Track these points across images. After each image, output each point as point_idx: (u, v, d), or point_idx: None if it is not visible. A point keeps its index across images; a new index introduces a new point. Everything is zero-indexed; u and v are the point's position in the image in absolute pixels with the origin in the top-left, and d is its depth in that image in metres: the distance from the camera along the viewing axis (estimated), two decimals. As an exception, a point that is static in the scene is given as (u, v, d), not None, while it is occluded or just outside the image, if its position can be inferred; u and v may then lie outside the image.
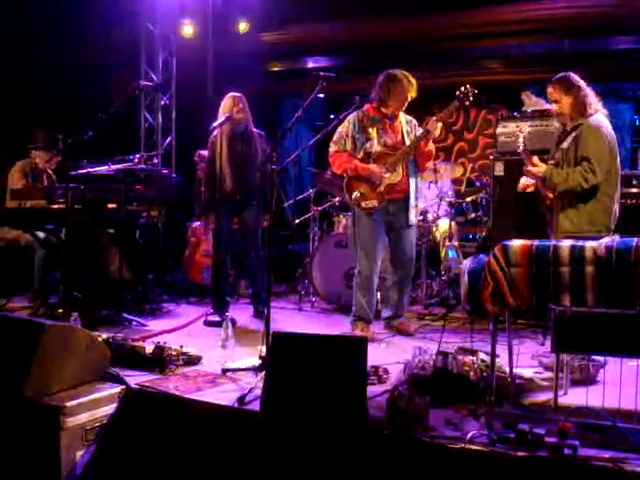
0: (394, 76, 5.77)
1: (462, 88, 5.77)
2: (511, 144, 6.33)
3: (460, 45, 9.42)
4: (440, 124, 5.75)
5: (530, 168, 4.96)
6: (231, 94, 6.45)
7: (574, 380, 4.27)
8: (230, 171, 6.37)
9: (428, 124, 5.73)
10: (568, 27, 8.47)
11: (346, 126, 5.91)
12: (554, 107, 4.97)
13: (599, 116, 4.84)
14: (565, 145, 4.89)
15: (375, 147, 5.79)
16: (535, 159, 4.98)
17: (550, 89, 4.95)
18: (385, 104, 5.82)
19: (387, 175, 5.72)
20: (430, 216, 7.53)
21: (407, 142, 5.84)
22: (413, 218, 5.95)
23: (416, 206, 6.07)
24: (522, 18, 8.55)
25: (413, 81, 5.77)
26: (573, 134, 4.84)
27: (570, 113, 4.88)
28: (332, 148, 5.94)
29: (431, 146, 5.93)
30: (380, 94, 5.81)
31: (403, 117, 5.96)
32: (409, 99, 5.82)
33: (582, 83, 4.89)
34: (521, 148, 5.04)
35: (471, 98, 5.77)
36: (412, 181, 5.89)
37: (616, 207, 4.85)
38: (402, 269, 6.00)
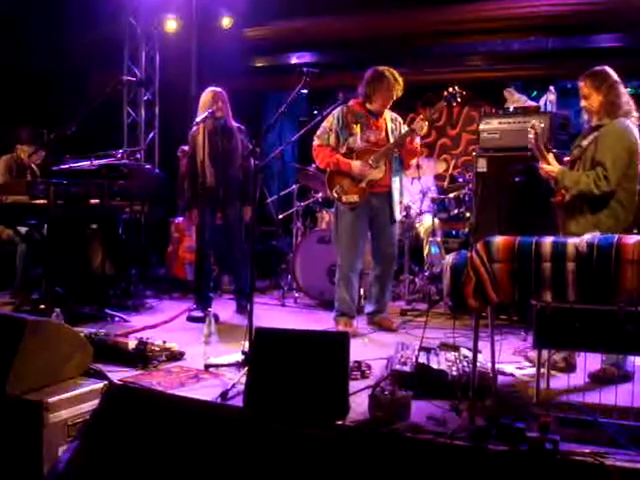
0: (381, 73, 5.77)
1: (450, 89, 5.76)
2: (494, 140, 6.37)
3: (444, 42, 9.45)
4: (426, 123, 5.76)
5: (544, 166, 4.75)
6: (211, 89, 6.41)
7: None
8: (211, 166, 6.35)
9: (414, 123, 5.74)
10: (552, 25, 8.49)
11: (330, 121, 5.91)
12: (583, 102, 4.69)
13: (627, 120, 4.57)
14: (585, 143, 4.66)
15: (358, 143, 5.80)
16: (550, 157, 4.78)
17: (581, 83, 4.67)
18: (370, 101, 5.83)
19: (370, 171, 5.73)
20: (413, 212, 7.54)
21: (391, 140, 5.85)
22: (397, 215, 5.97)
23: (400, 202, 6.08)
24: (506, 15, 8.57)
25: (400, 80, 5.78)
26: (595, 133, 4.60)
27: (597, 112, 4.62)
28: (315, 142, 5.95)
29: (417, 143, 5.93)
30: (366, 90, 5.82)
31: (388, 115, 5.97)
32: (395, 98, 5.84)
33: (617, 80, 4.61)
34: (532, 143, 4.79)
35: (459, 99, 5.78)
36: (396, 178, 5.90)
37: (629, 215, 4.59)
38: (384, 264, 6.01)
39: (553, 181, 4.74)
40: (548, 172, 4.74)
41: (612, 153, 4.48)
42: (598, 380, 4.25)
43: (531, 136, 4.78)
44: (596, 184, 4.46)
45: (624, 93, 4.62)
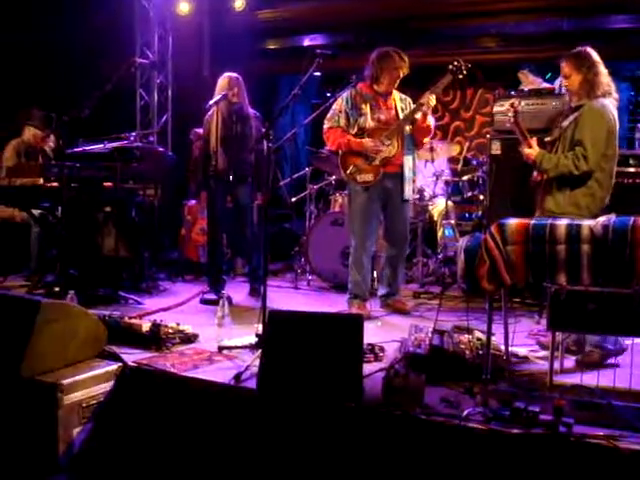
0: (386, 53, 5.75)
1: (455, 62, 5.73)
2: (508, 123, 6.34)
3: (457, 23, 9.37)
4: (434, 96, 5.72)
5: (525, 150, 4.86)
6: (227, 75, 6.41)
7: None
8: (223, 150, 6.34)
9: (421, 97, 5.71)
10: (567, 6, 8.43)
11: (339, 103, 5.89)
12: (564, 82, 4.82)
13: (605, 100, 4.65)
14: (565, 123, 4.76)
15: (369, 122, 5.76)
16: (533, 141, 4.87)
17: (563, 63, 4.75)
18: (378, 81, 5.81)
19: (383, 148, 5.71)
20: (426, 195, 7.52)
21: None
22: (409, 193, 5.94)
23: (414, 181, 6.06)
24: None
25: (405, 58, 5.75)
26: (575, 114, 4.69)
27: (577, 91, 4.70)
28: (326, 125, 5.93)
29: (429, 122, 5.86)
30: (372, 71, 5.80)
31: (397, 95, 5.94)
32: (401, 76, 5.80)
33: (597, 61, 4.66)
34: (511, 122, 4.97)
35: (464, 72, 5.73)
36: (408, 156, 5.87)
37: (605, 194, 4.69)
38: (396, 245, 5.99)
39: (532, 164, 4.85)
40: (527, 155, 4.85)
41: (591, 133, 4.57)
42: (580, 364, 4.25)
43: (510, 114, 4.95)
44: (575, 164, 4.57)
45: (604, 74, 4.70)
